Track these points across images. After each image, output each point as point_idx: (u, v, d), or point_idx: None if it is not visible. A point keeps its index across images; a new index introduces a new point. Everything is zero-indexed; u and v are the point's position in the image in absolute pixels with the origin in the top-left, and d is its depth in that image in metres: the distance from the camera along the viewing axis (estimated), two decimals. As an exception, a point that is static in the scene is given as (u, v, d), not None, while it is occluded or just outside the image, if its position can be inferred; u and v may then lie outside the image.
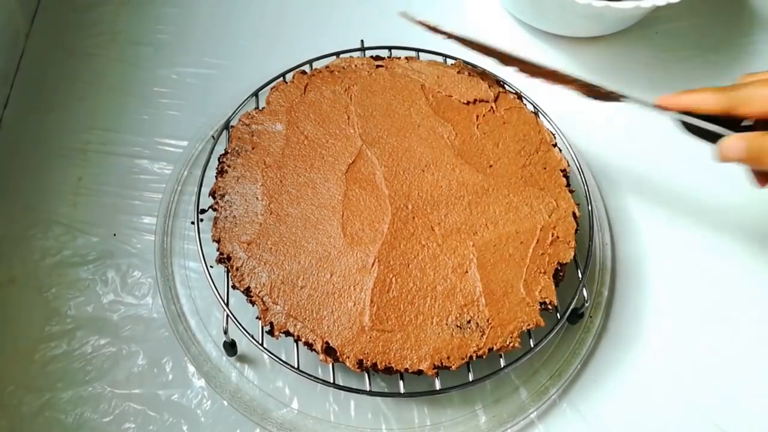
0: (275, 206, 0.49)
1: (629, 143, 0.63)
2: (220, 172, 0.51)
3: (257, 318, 0.45)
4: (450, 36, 0.55)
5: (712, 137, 0.44)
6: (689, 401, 0.51)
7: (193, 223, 0.51)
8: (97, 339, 0.51)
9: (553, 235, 0.49)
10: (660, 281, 0.56)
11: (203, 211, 0.51)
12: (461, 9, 0.71)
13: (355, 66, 0.57)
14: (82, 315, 0.52)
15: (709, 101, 0.43)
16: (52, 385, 0.49)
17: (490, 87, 0.56)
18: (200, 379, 0.50)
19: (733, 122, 0.43)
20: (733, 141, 0.42)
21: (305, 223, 0.48)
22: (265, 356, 0.49)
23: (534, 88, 0.58)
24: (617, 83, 0.66)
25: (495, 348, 0.45)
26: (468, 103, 0.55)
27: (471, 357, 0.45)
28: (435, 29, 0.55)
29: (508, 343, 0.45)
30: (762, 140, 0.41)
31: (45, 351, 0.50)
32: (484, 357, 0.45)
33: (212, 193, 0.50)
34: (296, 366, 0.46)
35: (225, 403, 0.49)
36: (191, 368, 0.50)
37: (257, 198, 0.49)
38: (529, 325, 0.46)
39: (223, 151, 0.52)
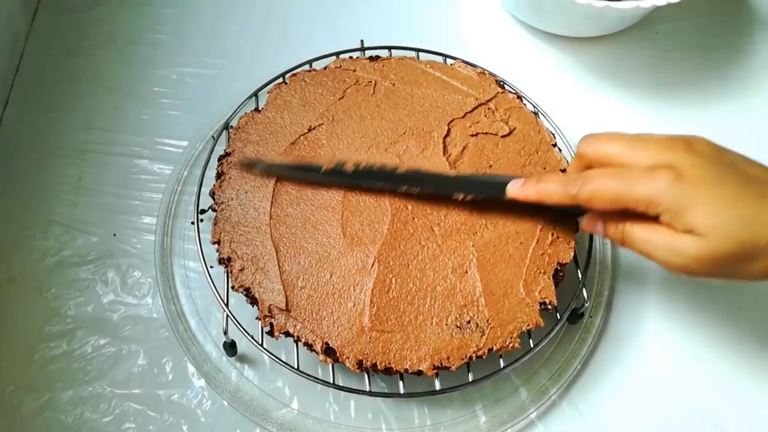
0: (275, 207, 0.49)
1: (629, 143, 0.63)
2: (220, 173, 0.51)
3: (257, 318, 0.45)
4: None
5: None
6: (689, 401, 0.51)
7: (193, 223, 0.51)
8: (97, 339, 0.51)
9: (553, 235, 0.49)
10: (660, 281, 0.56)
11: (203, 211, 0.51)
12: (460, 8, 0.71)
13: (356, 67, 0.57)
14: (82, 315, 0.52)
15: (554, 196, 0.42)
16: (51, 385, 0.49)
17: (489, 86, 0.56)
18: (200, 379, 0.50)
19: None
20: (586, 224, 0.44)
21: (305, 224, 0.48)
22: (265, 356, 0.49)
23: (534, 88, 0.58)
24: (617, 83, 0.66)
25: (495, 348, 0.45)
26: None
27: (471, 357, 0.45)
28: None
29: (507, 343, 0.45)
30: (615, 229, 0.42)
31: (45, 351, 0.50)
32: (484, 357, 0.45)
33: (212, 194, 0.50)
34: (296, 366, 0.46)
35: (225, 403, 0.49)
36: (191, 368, 0.50)
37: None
38: (528, 325, 0.46)
39: (223, 152, 0.52)
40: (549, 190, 0.42)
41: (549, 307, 0.47)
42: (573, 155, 0.56)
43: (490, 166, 0.52)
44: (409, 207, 0.49)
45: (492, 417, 0.49)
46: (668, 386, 0.52)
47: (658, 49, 0.68)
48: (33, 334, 0.51)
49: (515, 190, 0.44)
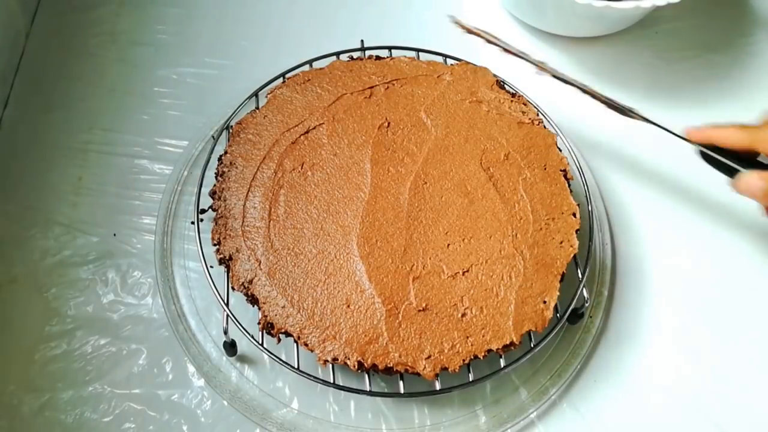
0: (275, 206, 0.49)
1: (629, 143, 0.63)
2: (220, 173, 0.51)
3: (258, 323, 0.45)
4: (508, 51, 0.55)
5: (728, 169, 0.48)
6: (689, 401, 0.51)
7: (193, 223, 0.51)
8: (97, 339, 0.51)
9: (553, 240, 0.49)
10: (660, 281, 0.56)
11: (203, 211, 0.51)
12: (461, 9, 0.71)
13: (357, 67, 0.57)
14: (82, 315, 0.52)
15: (733, 137, 0.47)
16: (52, 385, 0.49)
17: (491, 88, 0.56)
18: (200, 379, 0.50)
19: (750, 157, 0.47)
20: (754, 180, 0.45)
21: (305, 223, 0.48)
22: (265, 356, 0.49)
23: (534, 88, 0.58)
24: (617, 83, 0.66)
25: (495, 349, 0.45)
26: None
27: (471, 358, 0.44)
28: (489, 40, 0.56)
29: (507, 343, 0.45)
30: None
31: (45, 351, 0.50)
32: (483, 358, 0.45)
33: (212, 194, 0.50)
34: (296, 366, 0.46)
35: (225, 403, 0.49)
36: (191, 368, 0.50)
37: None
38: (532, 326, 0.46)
39: (223, 152, 0.52)
40: (728, 132, 0.47)
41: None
42: (573, 155, 0.56)
43: (488, 169, 0.52)
44: (421, 216, 0.49)
45: (492, 417, 0.49)
46: (668, 386, 0.52)
47: (658, 49, 0.69)
48: (33, 334, 0.51)
49: (693, 129, 0.49)
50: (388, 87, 0.55)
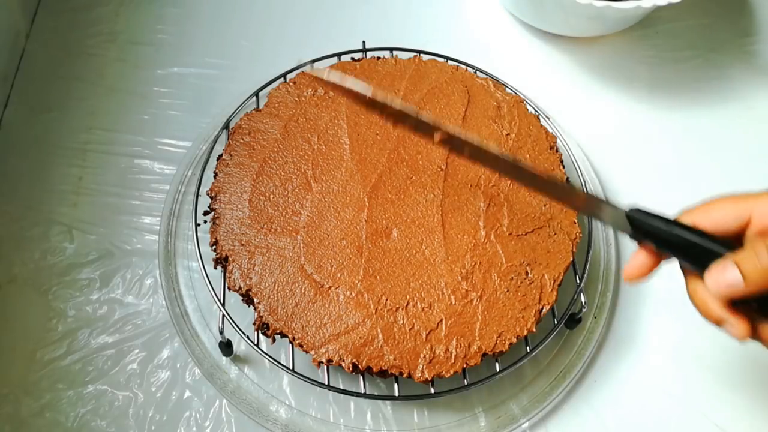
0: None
1: (629, 144, 0.63)
2: (218, 173, 0.51)
3: (254, 324, 0.45)
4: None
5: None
6: (689, 401, 0.51)
7: (198, 225, 0.51)
8: (97, 339, 0.51)
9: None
10: (661, 283, 0.56)
11: (206, 213, 0.51)
12: (461, 9, 0.71)
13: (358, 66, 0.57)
14: (82, 315, 0.52)
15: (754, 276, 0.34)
16: (52, 386, 0.49)
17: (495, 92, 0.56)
18: (201, 379, 0.50)
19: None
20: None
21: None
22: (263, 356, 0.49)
23: (534, 88, 0.58)
24: (617, 83, 0.66)
25: (488, 351, 0.45)
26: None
27: (467, 363, 0.44)
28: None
29: (496, 347, 0.45)
30: None
31: (45, 352, 0.50)
32: (476, 365, 0.45)
33: (210, 194, 0.50)
34: (291, 367, 0.46)
35: (225, 402, 0.49)
36: (192, 368, 0.50)
37: (257, 199, 0.49)
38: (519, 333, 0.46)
39: (222, 152, 0.52)
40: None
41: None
42: (573, 156, 0.56)
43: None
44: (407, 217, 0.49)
45: (494, 419, 0.49)
46: (669, 387, 0.52)
47: (658, 49, 0.69)
48: (33, 335, 0.51)
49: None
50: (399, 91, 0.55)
